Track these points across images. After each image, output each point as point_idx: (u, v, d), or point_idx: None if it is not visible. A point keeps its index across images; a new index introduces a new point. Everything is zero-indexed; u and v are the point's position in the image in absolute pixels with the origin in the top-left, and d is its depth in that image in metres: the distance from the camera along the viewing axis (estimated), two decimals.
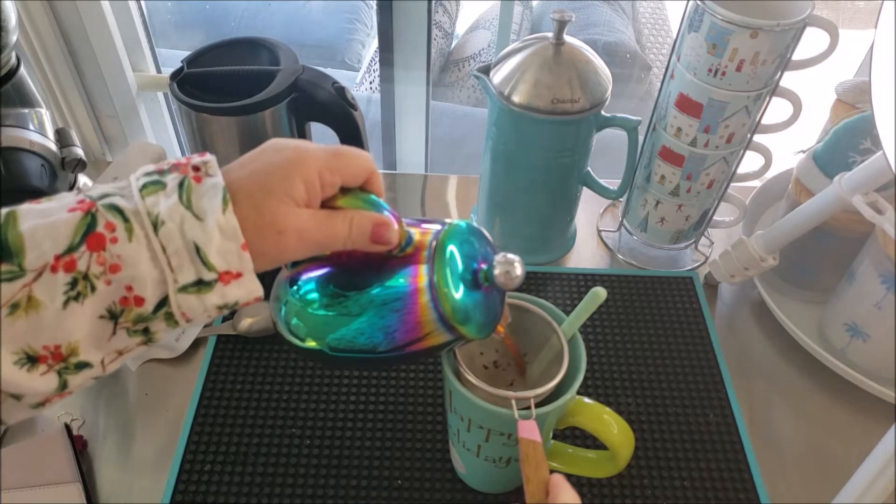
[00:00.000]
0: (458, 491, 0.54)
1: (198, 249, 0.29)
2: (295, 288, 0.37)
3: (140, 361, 0.61)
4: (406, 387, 0.60)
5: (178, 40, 1.85)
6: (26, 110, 0.65)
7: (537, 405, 0.41)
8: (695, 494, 0.54)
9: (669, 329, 0.65)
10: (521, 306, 0.46)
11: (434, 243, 0.36)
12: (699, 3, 0.55)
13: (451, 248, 0.36)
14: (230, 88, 0.62)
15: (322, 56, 1.85)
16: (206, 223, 0.29)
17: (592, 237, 0.77)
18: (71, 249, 0.28)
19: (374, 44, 1.81)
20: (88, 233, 0.28)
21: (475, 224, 0.40)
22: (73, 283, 0.28)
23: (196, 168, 0.31)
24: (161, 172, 0.31)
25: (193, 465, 0.54)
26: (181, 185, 0.30)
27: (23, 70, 0.65)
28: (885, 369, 0.59)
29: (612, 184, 0.70)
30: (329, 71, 0.65)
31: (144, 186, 0.30)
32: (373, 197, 0.36)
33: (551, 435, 0.48)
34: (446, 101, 1.60)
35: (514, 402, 0.40)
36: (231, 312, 0.64)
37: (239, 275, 0.30)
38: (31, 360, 0.28)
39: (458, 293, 0.36)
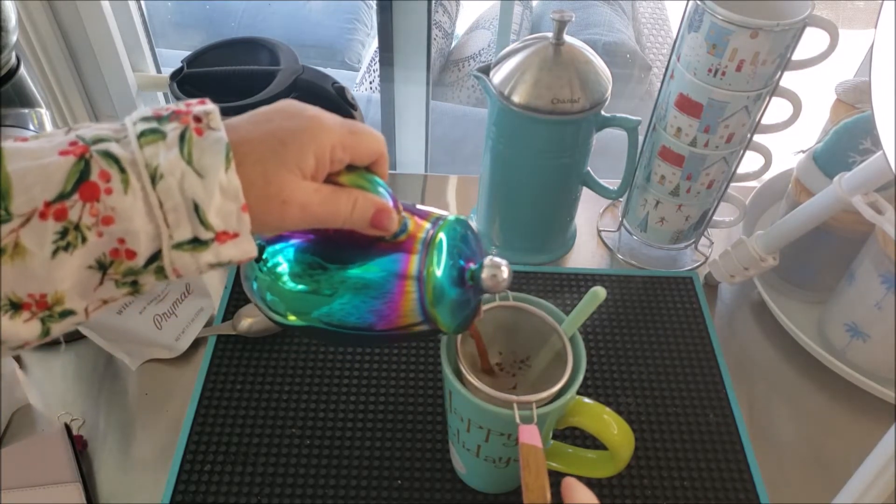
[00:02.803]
0: (458, 491, 0.54)
1: (196, 207, 0.28)
2: (265, 260, 0.37)
3: (140, 361, 0.61)
4: (406, 387, 0.60)
5: (178, 40, 1.85)
6: (26, 110, 0.65)
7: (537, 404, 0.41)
8: (695, 494, 0.54)
9: (669, 329, 0.65)
10: (521, 307, 0.46)
11: (428, 236, 0.36)
12: (699, 3, 0.55)
13: (445, 243, 0.37)
14: (230, 88, 0.62)
15: (322, 56, 1.85)
16: (206, 181, 0.28)
17: (592, 237, 0.77)
18: (62, 197, 0.27)
19: (374, 44, 1.81)
20: (81, 181, 0.27)
21: (470, 222, 0.40)
22: (64, 233, 0.27)
23: (198, 118, 0.29)
24: (160, 119, 0.29)
25: (193, 465, 0.54)
26: (182, 137, 0.28)
27: (23, 70, 0.65)
28: (885, 369, 0.59)
29: (612, 184, 0.70)
30: (329, 71, 0.65)
31: (143, 134, 0.28)
32: (377, 179, 0.35)
33: (551, 435, 0.48)
34: (446, 101, 1.60)
35: (515, 405, 0.40)
36: (231, 312, 0.64)
37: (236, 235, 0.30)
38: (15, 307, 0.27)
39: (444, 288, 0.36)
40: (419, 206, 0.39)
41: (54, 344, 0.63)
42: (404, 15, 0.83)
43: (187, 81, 0.64)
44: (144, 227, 0.28)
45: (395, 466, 0.55)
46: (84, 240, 0.27)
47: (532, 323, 0.46)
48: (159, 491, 0.53)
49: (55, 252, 0.27)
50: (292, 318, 0.37)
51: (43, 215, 0.26)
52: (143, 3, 0.93)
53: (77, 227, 0.27)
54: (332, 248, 0.36)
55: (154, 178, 0.28)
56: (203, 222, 0.28)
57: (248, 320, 0.63)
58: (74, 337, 0.62)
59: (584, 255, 0.74)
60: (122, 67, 0.87)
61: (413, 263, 0.36)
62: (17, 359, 0.61)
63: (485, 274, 0.37)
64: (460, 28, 1.77)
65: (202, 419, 0.57)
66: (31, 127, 0.64)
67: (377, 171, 0.36)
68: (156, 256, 0.29)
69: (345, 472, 0.54)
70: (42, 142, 0.28)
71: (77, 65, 0.85)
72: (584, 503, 0.34)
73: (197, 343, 0.63)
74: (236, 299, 0.66)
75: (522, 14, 1.68)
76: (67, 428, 0.55)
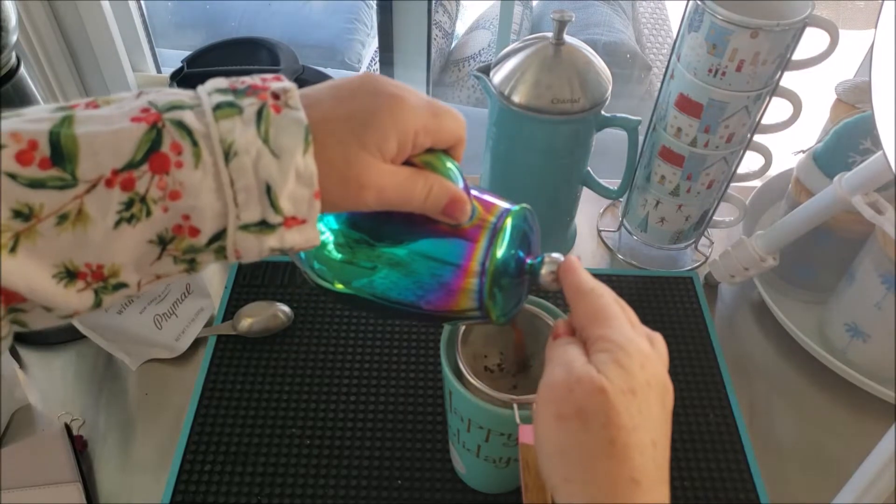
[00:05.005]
0: (458, 491, 0.54)
1: (269, 189, 0.27)
2: (342, 227, 0.36)
3: (140, 361, 0.61)
4: (406, 387, 0.60)
5: (178, 40, 1.85)
6: None
7: None
8: (695, 494, 0.54)
9: (669, 329, 0.65)
10: (521, 307, 0.46)
11: (496, 225, 0.36)
12: (699, 3, 0.55)
13: (509, 234, 0.36)
14: None
15: (322, 56, 1.85)
16: (282, 162, 0.27)
17: (592, 237, 0.77)
18: (131, 166, 0.25)
19: (374, 44, 1.81)
20: (152, 151, 0.26)
21: (532, 213, 0.39)
22: (129, 204, 0.26)
23: (276, 95, 0.28)
24: (236, 92, 0.28)
25: (193, 465, 0.54)
26: (260, 114, 0.27)
27: (23, 70, 0.65)
28: (885, 369, 0.59)
29: (612, 184, 0.69)
30: (329, 71, 0.65)
31: (219, 107, 0.27)
32: (454, 165, 0.35)
33: None
34: (446, 101, 1.59)
35: (515, 405, 0.40)
36: (231, 312, 0.64)
37: (303, 221, 0.28)
38: (71, 275, 0.26)
39: (503, 279, 0.36)
40: (483, 192, 0.38)
41: (54, 344, 0.63)
42: (404, 15, 0.83)
43: (187, 81, 0.64)
44: (212, 204, 0.27)
45: (395, 466, 0.55)
46: (149, 213, 0.26)
47: (532, 323, 0.46)
48: (159, 491, 0.53)
49: (118, 223, 0.26)
50: (339, 286, 0.37)
51: (109, 183, 0.25)
52: (143, 3, 0.93)
53: (143, 200, 0.26)
54: (390, 223, 0.36)
55: (228, 154, 0.26)
56: (273, 205, 0.27)
57: (248, 320, 0.63)
58: (74, 337, 0.62)
59: (584, 255, 0.74)
60: (122, 67, 0.87)
61: (477, 252, 0.35)
62: (17, 359, 0.61)
63: (544, 270, 0.37)
64: (460, 28, 1.77)
65: (202, 419, 0.57)
66: None
67: (454, 155, 0.35)
68: (219, 235, 0.28)
69: (345, 472, 0.54)
70: (112, 108, 0.27)
71: (77, 65, 0.85)
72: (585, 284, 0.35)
73: (197, 343, 0.63)
74: (236, 299, 0.66)
75: (522, 14, 1.68)
76: (67, 428, 0.55)
